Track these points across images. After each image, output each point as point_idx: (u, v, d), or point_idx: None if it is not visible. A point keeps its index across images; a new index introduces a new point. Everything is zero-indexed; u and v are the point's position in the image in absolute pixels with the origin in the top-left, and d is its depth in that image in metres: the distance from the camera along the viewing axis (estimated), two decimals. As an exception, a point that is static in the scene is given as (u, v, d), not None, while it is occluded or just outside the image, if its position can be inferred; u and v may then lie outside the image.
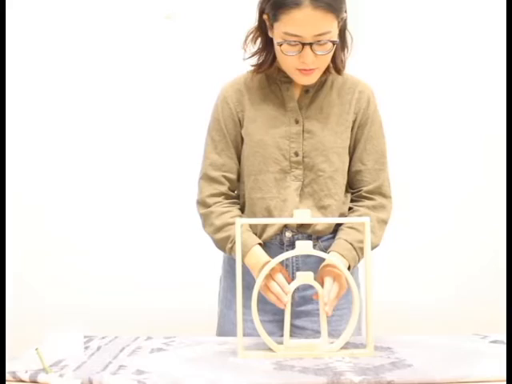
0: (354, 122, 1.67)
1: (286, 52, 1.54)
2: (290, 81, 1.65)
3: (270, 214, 1.64)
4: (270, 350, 1.42)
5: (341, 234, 1.62)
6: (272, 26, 1.56)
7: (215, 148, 1.69)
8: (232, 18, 2.43)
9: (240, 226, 1.43)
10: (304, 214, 1.44)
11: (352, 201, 1.70)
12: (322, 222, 1.64)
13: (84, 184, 2.57)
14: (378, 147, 1.69)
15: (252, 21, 1.62)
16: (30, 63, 2.56)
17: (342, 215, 1.67)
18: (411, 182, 2.54)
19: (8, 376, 1.27)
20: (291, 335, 1.58)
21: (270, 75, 1.68)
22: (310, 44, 1.51)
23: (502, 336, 1.54)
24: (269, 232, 1.65)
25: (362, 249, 1.57)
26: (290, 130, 1.64)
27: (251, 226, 1.65)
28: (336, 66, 1.64)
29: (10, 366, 1.31)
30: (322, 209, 1.65)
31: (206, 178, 1.69)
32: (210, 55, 2.51)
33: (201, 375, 1.25)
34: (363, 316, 1.56)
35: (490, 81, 2.58)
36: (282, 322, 1.46)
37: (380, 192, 1.68)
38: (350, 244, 1.59)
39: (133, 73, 2.56)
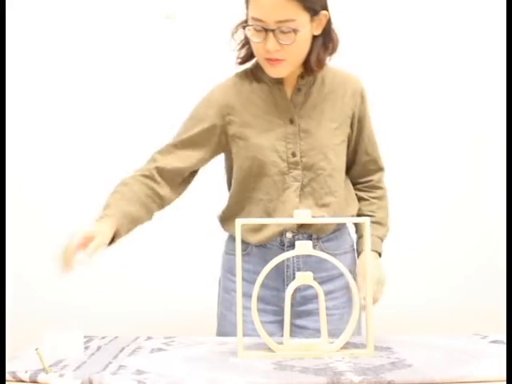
0: (353, 117, 1.68)
1: (251, 37, 1.56)
2: (280, 81, 1.64)
3: (269, 217, 1.64)
4: (270, 350, 1.41)
5: (373, 231, 1.65)
6: (247, 14, 1.58)
7: (173, 142, 1.72)
8: (232, 17, 2.42)
9: (240, 226, 1.42)
10: (304, 214, 1.44)
11: (363, 191, 1.74)
12: (321, 222, 1.63)
13: (84, 184, 2.57)
14: (374, 136, 1.74)
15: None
16: (29, 63, 2.55)
17: (343, 212, 1.67)
18: (408, 183, 2.53)
19: (8, 376, 1.27)
20: (292, 335, 1.58)
21: (260, 77, 1.66)
22: (273, 30, 1.52)
23: (502, 336, 1.54)
24: (268, 234, 1.65)
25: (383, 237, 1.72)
26: (286, 130, 1.64)
27: (251, 229, 1.64)
28: (309, 62, 1.61)
29: (9, 366, 1.31)
30: (323, 207, 1.65)
31: (151, 157, 1.74)
32: (210, 55, 2.50)
33: (201, 375, 1.25)
34: (363, 316, 1.56)
35: (482, 81, 2.57)
36: (282, 322, 1.46)
37: (384, 179, 1.76)
38: (381, 239, 1.71)
39: (133, 73, 2.56)
